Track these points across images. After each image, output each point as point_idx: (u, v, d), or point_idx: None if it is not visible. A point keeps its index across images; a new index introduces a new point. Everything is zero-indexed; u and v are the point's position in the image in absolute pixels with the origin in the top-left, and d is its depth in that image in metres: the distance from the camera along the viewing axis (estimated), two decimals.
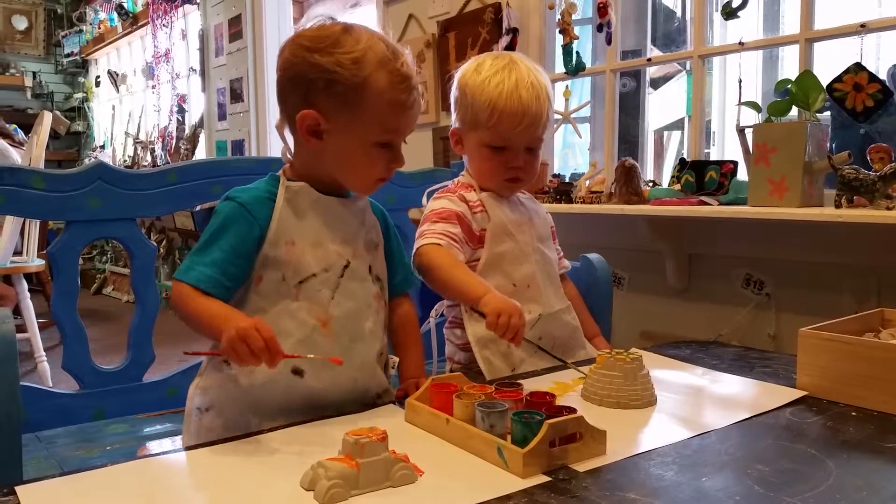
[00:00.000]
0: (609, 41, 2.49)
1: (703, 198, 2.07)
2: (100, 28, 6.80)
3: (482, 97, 1.38)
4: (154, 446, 1.48)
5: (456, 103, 1.46)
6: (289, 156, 1.19)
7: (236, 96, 4.74)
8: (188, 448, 0.98)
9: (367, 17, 3.81)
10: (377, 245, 1.23)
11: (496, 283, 1.34)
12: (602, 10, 2.42)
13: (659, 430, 1.03)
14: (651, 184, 2.39)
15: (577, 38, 2.55)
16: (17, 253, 3.52)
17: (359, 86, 1.08)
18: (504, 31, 2.69)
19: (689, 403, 1.16)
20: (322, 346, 1.11)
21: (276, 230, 1.12)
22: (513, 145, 1.40)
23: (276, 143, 4.88)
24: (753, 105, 2.00)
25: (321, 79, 1.09)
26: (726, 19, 2.16)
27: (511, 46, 2.65)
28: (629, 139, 2.74)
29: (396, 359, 1.25)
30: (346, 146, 1.13)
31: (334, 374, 1.11)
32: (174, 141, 5.59)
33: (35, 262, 3.50)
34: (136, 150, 6.23)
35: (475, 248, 1.40)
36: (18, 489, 0.83)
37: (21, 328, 3.27)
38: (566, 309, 1.48)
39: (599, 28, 2.46)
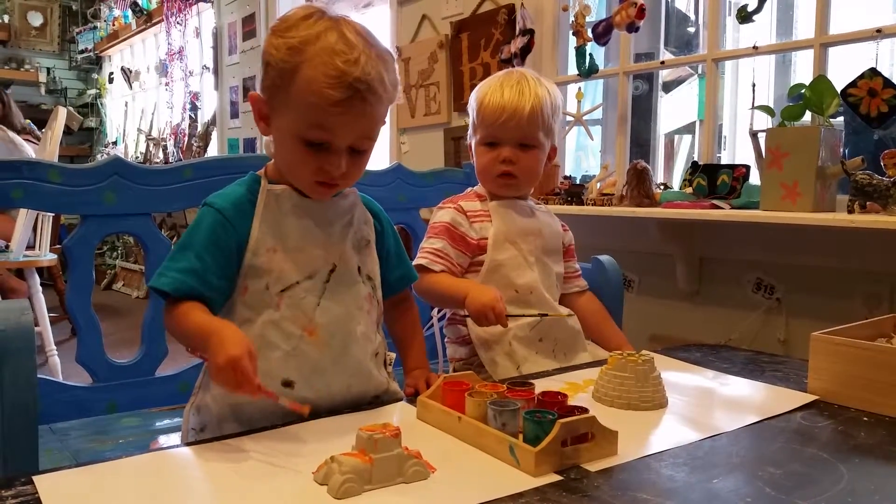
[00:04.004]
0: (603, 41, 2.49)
1: (715, 201, 2.07)
2: (114, 25, 6.83)
3: (476, 100, 1.51)
4: (166, 440, 1.50)
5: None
6: (272, 149, 1.15)
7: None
8: (201, 441, 0.99)
9: (380, 17, 3.82)
10: (368, 242, 1.18)
11: (498, 289, 1.41)
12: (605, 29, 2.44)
13: (670, 431, 1.03)
14: (662, 187, 2.39)
15: (590, 40, 2.55)
16: (30, 247, 3.55)
17: (288, 72, 1.02)
18: (519, 32, 2.70)
19: (700, 406, 1.16)
20: (311, 356, 1.08)
21: (257, 238, 1.08)
22: (502, 140, 1.48)
23: None
24: (767, 109, 2.00)
25: (264, 61, 1.07)
26: (741, 23, 2.16)
27: (528, 47, 2.65)
28: (641, 142, 2.74)
29: (393, 355, 1.22)
30: (280, 136, 1.09)
31: (326, 382, 1.09)
32: (186, 138, 5.61)
33: (47, 257, 3.52)
34: (148, 146, 6.26)
35: (472, 255, 1.48)
36: (35, 478, 0.83)
37: (33, 322, 3.29)
38: (568, 315, 1.52)
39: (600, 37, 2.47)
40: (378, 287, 1.20)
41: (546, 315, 1.44)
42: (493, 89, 1.47)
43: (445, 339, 1.56)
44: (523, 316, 1.42)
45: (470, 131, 1.56)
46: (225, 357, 0.92)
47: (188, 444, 0.99)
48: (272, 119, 1.09)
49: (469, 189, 1.58)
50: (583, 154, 3.16)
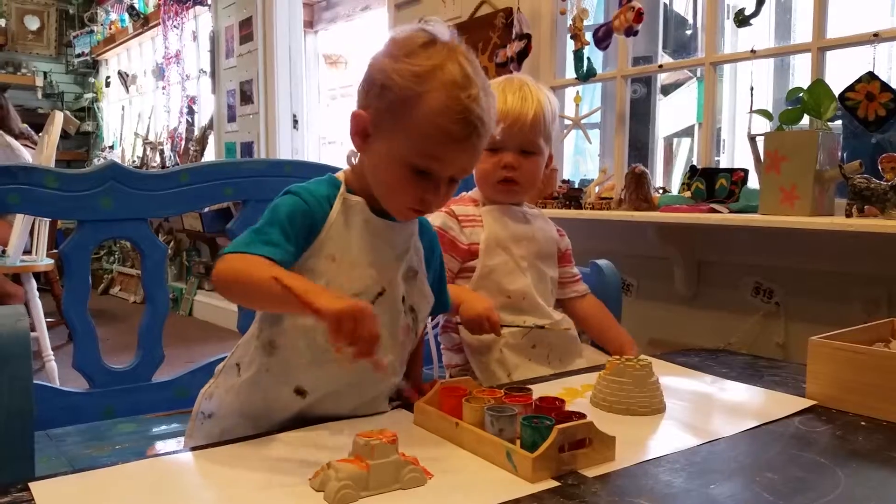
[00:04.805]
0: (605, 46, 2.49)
1: (714, 205, 2.07)
2: (111, 29, 6.83)
3: None
4: (162, 446, 1.49)
5: None
6: (353, 160, 1.14)
7: (246, 98, 4.76)
8: (198, 448, 0.99)
9: (378, 21, 3.82)
10: (416, 273, 1.16)
11: (489, 295, 1.42)
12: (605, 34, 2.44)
13: (668, 436, 1.03)
14: (661, 191, 2.39)
15: (588, 43, 2.55)
16: (27, 252, 3.54)
17: (410, 99, 1.02)
18: (515, 36, 2.70)
19: (698, 411, 1.16)
20: (331, 373, 1.07)
21: (323, 240, 1.07)
22: (504, 146, 1.47)
23: (284, 146, 4.87)
24: (765, 113, 2.00)
25: (380, 82, 1.05)
26: (739, 27, 2.16)
27: (525, 52, 2.65)
28: (639, 146, 2.74)
29: (404, 384, 1.21)
30: (383, 159, 1.07)
31: (336, 400, 1.09)
32: (183, 142, 5.61)
33: (44, 262, 3.51)
34: (145, 150, 6.26)
35: (463, 260, 1.48)
36: (32, 485, 0.83)
37: (29, 327, 3.28)
38: (562, 320, 1.51)
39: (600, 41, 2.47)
40: (419, 321, 1.19)
41: (542, 327, 1.43)
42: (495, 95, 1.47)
43: (441, 347, 1.56)
44: (518, 327, 1.42)
45: None
46: (358, 304, 0.89)
47: (184, 451, 0.99)
48: (375, 139, 1.07)
49: (464, 193, 1.58)
50: (581, 158, 3.16)
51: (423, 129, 1.02)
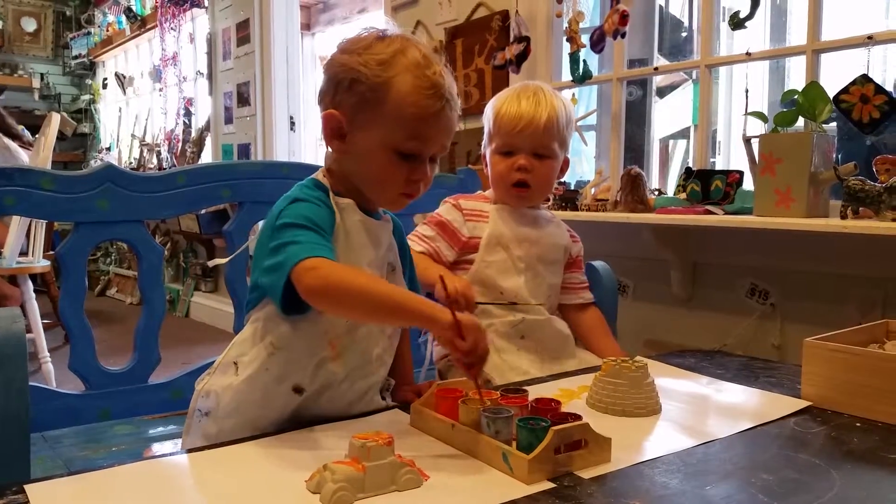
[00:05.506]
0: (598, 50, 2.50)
1: (709, 207, 2.08)
2: (108, 30, 6.82)
3: (492, 110, 1.54)
4: (159, 448, 1.49)
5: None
6: (329, 162, 1.16)
7: (243, 100, 4.76)
8: (194, 449, 0.99)
9: (374, 23, 3.82)
10: (395, 268, 1.20)
11: (484, 290, 1.47)
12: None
13: (663, 438, 1.04)
14: (657, 192, 2.39)
15: (584, 46, 2.55)
16: (23, 254, 3.54)
17: (381, 85, 1.06)
18: (514, 38, 2.70)
19: (694, 412, 1.16)
20: (327, 369, 1.09)
21: (333, 243, 1.08)
22: (518, 149, 1.51)
23: (281, 148, 4.85)
24: (760, 115, 2.01)
25: (347, 78, 1.08)
26: (733, 29, 2.16)
27: (524, 54, 2.66)
28: (635, 147, 2.74)
29: (393, 381, 1.23)
30: (367, 151, 1.09)
31: (332, 397, 1.10)
32: (180, 144, 5.60)
33: (41, 263, 3.51)
34: (141, 152, 6.25)
35: (460, 251, 1.52)
36: (27, 487, 0.83)
37: (26, 329, 3.27)
38: (556, 318, 1.53)
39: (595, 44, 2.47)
40: None
41: (515, 304, 1.47)
42: (510, 100, 1.51)
43: (435, 343, 1.56)
44: (493, 304, 1.46)
45: (484, 141, 1.59)
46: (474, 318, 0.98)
47: (181, 453, 0.99)
48: (354, 135, 1.10)
49: (479, 192, 1.62)
50: (577, 160, 3.16)
51: (399, 111, 1.06)
